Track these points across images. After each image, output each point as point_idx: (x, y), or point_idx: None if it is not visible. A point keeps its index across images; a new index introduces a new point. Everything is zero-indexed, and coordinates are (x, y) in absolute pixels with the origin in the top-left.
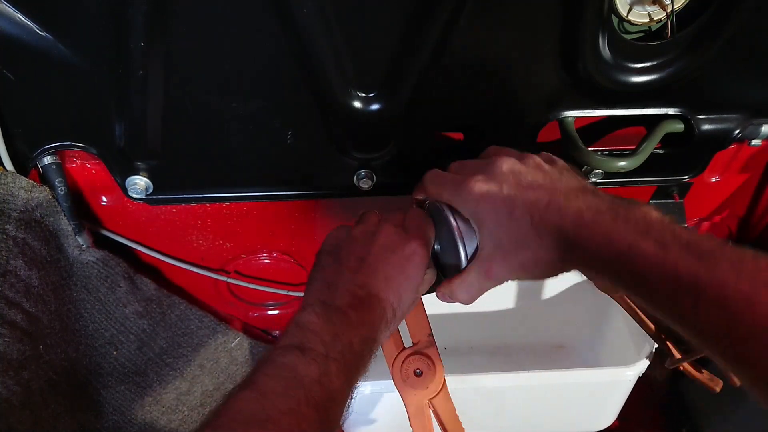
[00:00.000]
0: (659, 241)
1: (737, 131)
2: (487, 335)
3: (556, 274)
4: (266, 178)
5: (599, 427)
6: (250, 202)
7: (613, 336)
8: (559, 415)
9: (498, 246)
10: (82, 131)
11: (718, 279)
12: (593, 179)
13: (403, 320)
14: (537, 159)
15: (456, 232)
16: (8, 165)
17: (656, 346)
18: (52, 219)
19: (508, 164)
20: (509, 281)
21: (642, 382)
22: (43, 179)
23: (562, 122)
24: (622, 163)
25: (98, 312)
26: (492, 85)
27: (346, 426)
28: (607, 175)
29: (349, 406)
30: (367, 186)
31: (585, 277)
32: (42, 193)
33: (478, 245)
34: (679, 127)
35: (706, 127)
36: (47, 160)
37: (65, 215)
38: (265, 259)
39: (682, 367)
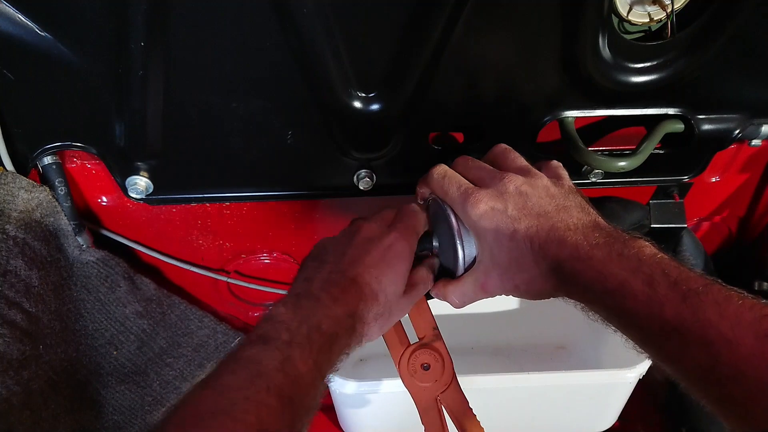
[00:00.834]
0: (648, 280)
1: (737, 131)
2: (487, 336)
3: (548, 298)
4: (266, 178)
5: (600, 429)
6: (250, 202)
7: (614, 337)
8: (560, 417)
9: (496, 264)
10: (82, 131)
11: (701, 321)
12: (593, 179)
13: (408, 317)
14: (545, 181)
15: (456, 234)
16: (8, 165)
17: None
18: (52, 219)
19: (515, 184)
20: (502, 295)
21: (642, 382)
22: (43, 179)
23: (562, 122)
24: (622, 163)
25: (98, 312)
26: (492, 85)
27: (346, 426)
28: (607, 175)
29: (321, 390)
30: (367, 186)
31: None
32: (42, 193)
33: (476, 257)
34: (679, 127)
35: (706, 127)
36: (47, 160)
37: (65, 215)
38: (265, 259)
39: None
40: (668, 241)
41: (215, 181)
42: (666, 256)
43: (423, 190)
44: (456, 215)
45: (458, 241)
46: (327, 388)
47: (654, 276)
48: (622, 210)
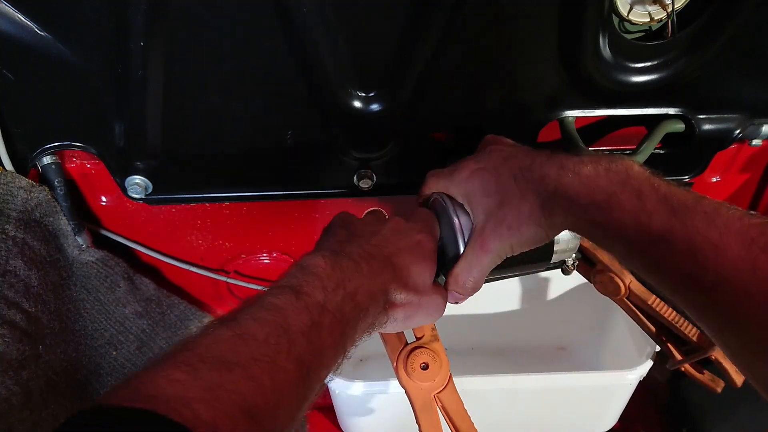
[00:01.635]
0: (637, 193)
1: (738, 131)
2: (488, 337)
3: (548, 236)
4: (266, 178)
5: (600, 430)
6: (250, 202)
7: (614, 338)
8: (560, 418)
9: (487, 216)
10: (82, 131)
11: (689, 229)
12: None
13: None
14: (529, 147)
15: (457, 227)
16: (8, 165)
17: (657, 348)
18: (51, 219)
19: (497, 148)
20: (509, 254)
21: (643, 383)
22: (43, 179)
23: (562, 122)
24: None
25: (98, 312)
26: (492, 85)
27: (346, 426)
28: None
29: (338, 366)
30: (367, 186)
31: (586, 281)
32: (41, 193)
33: (473, 226)
34: (680, 126)
35: (707, 127)
36: (47, 160)
37: (65, 215)
38: (265, 259)
39: (683, 368)
40: None
41: (215, 181)
42: (654, 174)
43: (425, 194)
44: (454, 206)
45: (457, 228)
46: (327, 387)
47: (643, 189)
48: None
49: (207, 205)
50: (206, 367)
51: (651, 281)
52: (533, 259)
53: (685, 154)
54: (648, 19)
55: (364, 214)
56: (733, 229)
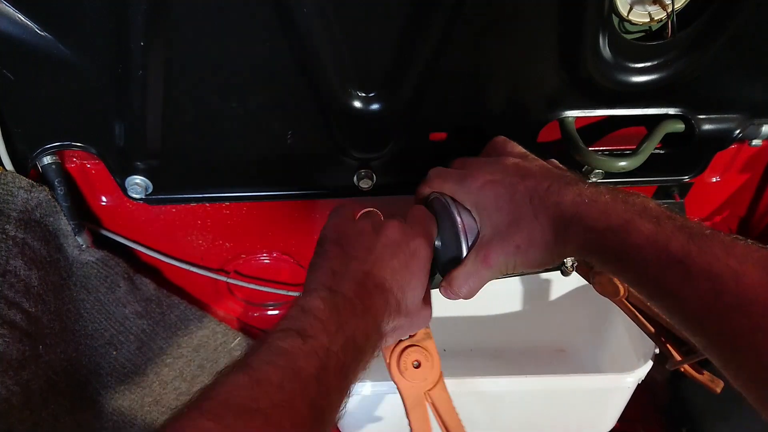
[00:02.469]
0: (655, 220)
1: (738, 131)
2: (487, 338)
3: (553, 261)
4: (266, 178)
5: None
6: (250, 202)
7: (613, 340)
8: (558, 420)
9: (496, 231)
10: (82, 131)
11: (707, 255)
12: (594, 179)
13: None
14: (542, 162)
15: (459, 227)
16: (8, 165)
17: (657, 349)
18: (51, 219)
19: (512, 161)
20: (509, 272)
21: (643, 383)
22: (43, 179)
23: (562, 122)
24: (623, 163)
25: (98, 312)
26: (492, 85)
27: (346, 426)
28: (608, 175)
29: (344, 406)
30: (367, 186)
31: (585, 282)
32: (41, 193)
33: (478, 233)
34: (680, 127)
35: (707, 127)
36: (47, 160)
37: (65, 215)
38: (265, 259)
39: (683, 369)
40: None
41: (215, 181)
42: (670, 209)
43: (424, 192)
44: (456, 206)
45: (460, 229)
46: None
47: (660, 218)
48: None
49: (207, 205)
50: (231, 414)
51: (662, 307)
52: None
53: (685, 154)
54: (648, 20)
55: (359, 216)
56: (752, 258)
